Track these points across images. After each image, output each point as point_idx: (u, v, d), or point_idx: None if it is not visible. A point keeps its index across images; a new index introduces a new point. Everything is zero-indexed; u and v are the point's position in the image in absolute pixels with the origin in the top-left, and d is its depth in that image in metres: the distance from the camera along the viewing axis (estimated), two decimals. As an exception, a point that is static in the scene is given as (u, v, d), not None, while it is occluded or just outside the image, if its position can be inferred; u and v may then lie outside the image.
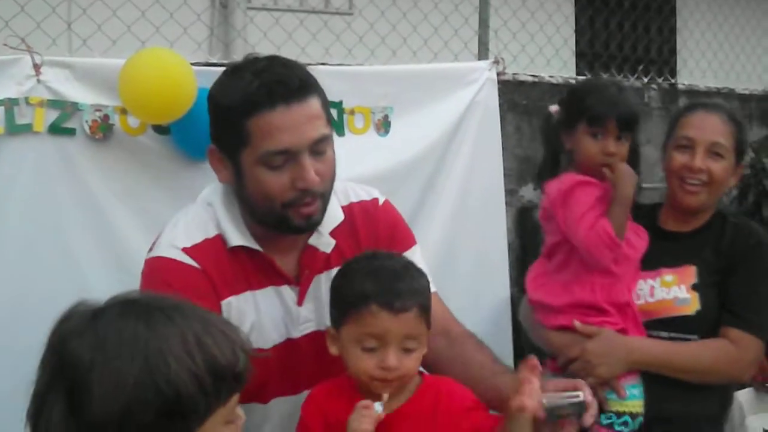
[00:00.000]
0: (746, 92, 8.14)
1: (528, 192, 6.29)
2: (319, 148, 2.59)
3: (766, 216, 7.19)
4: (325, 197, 2.67)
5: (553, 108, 3.39)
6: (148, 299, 1.83)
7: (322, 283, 2.79)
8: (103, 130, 4.10)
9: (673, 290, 3.28)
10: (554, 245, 3.32)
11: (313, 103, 2.57)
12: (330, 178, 2.67)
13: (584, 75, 7.45)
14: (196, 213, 2.77)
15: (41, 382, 1.73)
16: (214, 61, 4.91)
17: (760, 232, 3.39)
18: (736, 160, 3.37)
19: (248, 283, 2.72)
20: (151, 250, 2.76)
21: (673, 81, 7.73)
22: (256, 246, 2.71)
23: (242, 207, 2.71)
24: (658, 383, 3.20)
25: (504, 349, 4.03)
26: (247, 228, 2.72)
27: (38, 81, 3.98)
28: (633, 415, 3.16)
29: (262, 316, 2.73)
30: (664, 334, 3.26)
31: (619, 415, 3.15)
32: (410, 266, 2.61)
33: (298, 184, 2.56)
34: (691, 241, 3.38)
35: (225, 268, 2.69)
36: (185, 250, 2.66)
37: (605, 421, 3.14)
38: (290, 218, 2.62)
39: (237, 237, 2.70)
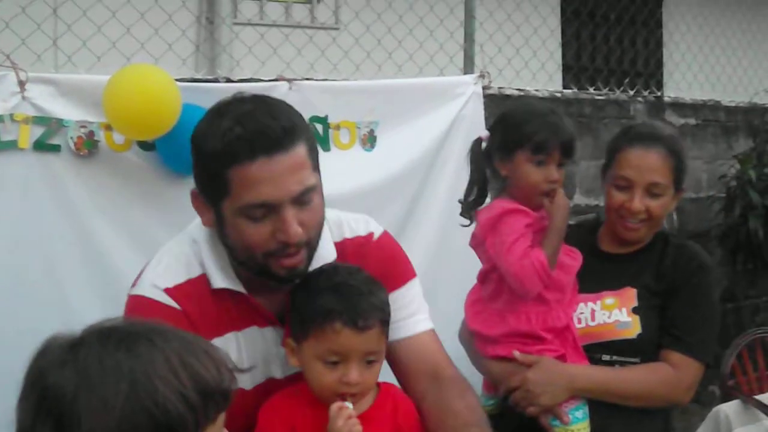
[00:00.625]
0: (732, 104, 8.16)
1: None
2: (304, 198, 2.48)
3: (752, 228, 7.21)
4: (311, 245, 2.57)
5: (484, 134, 3.33)
6: (126, 325, 1.78)
7: None
8: (88, 147, 4.09)
9: (614, 313, 3.24)
10: (486, 272, 3.30)
11: (299, 152, 2.46)
12: (316, 226, 2.57)
13: (570, 88, 7.44)
14: (181, 251, 2.70)
15: (24, 418, 1.69)
16: (200, 76, 4.89)
17: (701, 255, 3.36)
18: (675, 189, 3.34)
19: (232, 323, 2.66)
20: (134, 285, 2.69)
21: (659, 94, 7.73)
22: (240, 289, 2.65)
23: (227, 253, 2.63)
24: (603, 404, 3.18)
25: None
26: (232, 269, 2.65)
27: (23, 97, 3.97)
28: None
29: (244, 356, 2.67)
30: (606, 357, 3.24)
31: None
32: (370, 281, 2.61)
33: (279, 237, 2.47)
34: (632, 264, 3.35)
35: (208, 309, 2.63)
36: (167, 290, 2.60)
37: None
38: (272, 269, 2.54)
39: (221, 279, 2.63)
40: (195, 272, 2.65)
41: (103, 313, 3.95)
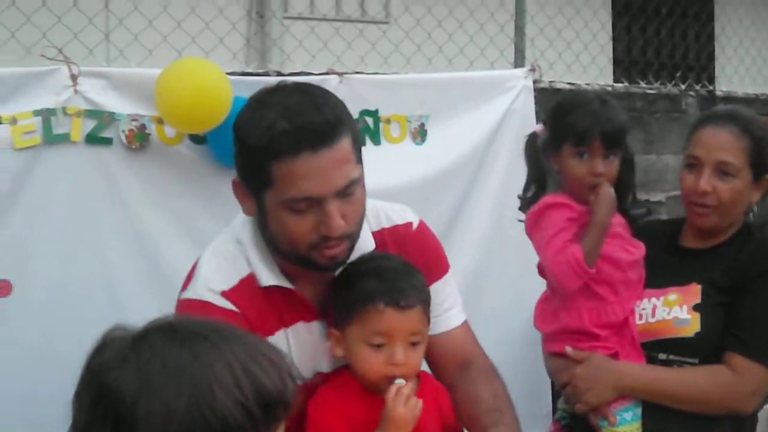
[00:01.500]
0: (785, 98, 8.08)
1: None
2: (348, 191, 2.48)
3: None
4: (353, 237, 2.58)
5: (538, 127, 3.27)
6: (191, 324, 1.74)
7: None
8: (139, 140, 4.11)
9: (674, 310, 3.11)
10: (542, 269, 3.23)
11: (343, 146, 2.45)
12: (358, 219, 2.58)
13: (621, 82, 7.40)
14: (228, 250, 2.69)
15: (79, 415, 1.66)
16: (250, 70, 4.90)
17: None
18: (755, 174, 3.15)
19: (281, 320, 2.66)
20: (184, 288, 2.69)
21: (711, 88, 7.66)
22: (286, 284, 2.65)
23: (268, 242, 2.62)
24: (660, 407, 3.08)
25: (536, 376, 3.95)
26: (277, 265, 2.65)
27: (75, 91, 4.00)
28: None
29: (293, 352, 2.65)
30: (663, 356, 3.13)
31: None
32: (408, 265, 2.65)
33: (322, 230, 2.47)
34: (704, 259, 3.20)
35: (261, 307, 2.62)
36: (224, 293, 2.58)
37: None
38: (314, 259, 2.54)
39: (269, 277, 2.63)
40: (244, 272, 2.64)
41: (153, 306, 4.03)
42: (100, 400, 1.62)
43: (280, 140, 2.39)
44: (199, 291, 2.60)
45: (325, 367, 2.75)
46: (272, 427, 1.69)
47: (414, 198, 4.14)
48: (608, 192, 3.06)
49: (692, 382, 3.07)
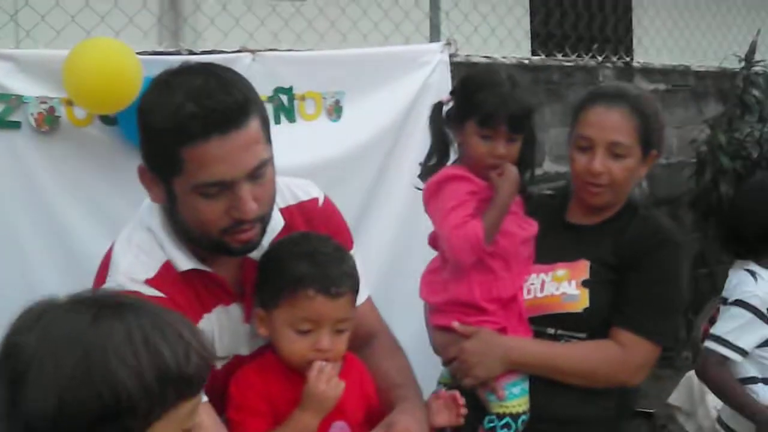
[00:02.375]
0: (702, 69, 8.16)
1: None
2: (259, 173, 2.44)
3: (723, 192, 7.21)
4: (265, 219, 2.54)
5: (445, 96, 3.22)
6: (102, 296, 1.77)
7: None
8: (49, 123, 4.04)
9: (563, 286, 3.10)
10: (434, 238, 3.20)
11: (252, 127, 2.40)
12: (270, 200, 2.54)
13: (538, 55, 7.42)
14: (141, 239, 2.61)
15: None
16: (162, 49, 4.83)
17: (667, 229, 3.19)
18: (644, 151, 3.16)
19: (202, 306, 2.61)
20: (101, 279, 2.60)
21: (628, 59, 7.72)
22: (205, 267, 2.60)
23: (178, 228, 2.56)
24: (546, 381, 3.08)
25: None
26: (189, 250, 2.59)
27: (-19, 74, 3.91)
28: (514, 416, 3.05)
29: (214, 336, 2.61)
30: (551, 330, 3.13)
31: (500, 417, 3.05)
32: (340, 249, 2.63)
33: (234, 214, 2.42)
34: (591, 235, 3.20)
35: (185, 293, 2.57)
36: (149, 281, 2.52)
37: (488, 425, 3.06)
38: (227, 244, 2.49)
39: (185, 262, 2.57)
40: (161, 259, 2.57)
41: (66, 287, 3.97)
42: (4, 360, 1.65)
43: (188, 124, 2.32)
44: (122, 281, 2.51)
45: (245, 350, 2.71)
46: (171, 405, 1.67)
47: (330, 175, 4.13)
48: (513, 172, 3.04)
49: (580, 356, 3.09)
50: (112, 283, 2.54)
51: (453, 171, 3.08)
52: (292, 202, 2.78)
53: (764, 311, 4.08)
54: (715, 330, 4.11)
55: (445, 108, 3.18)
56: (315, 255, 2.53)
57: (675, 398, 5.13)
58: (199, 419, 1.79)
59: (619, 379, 3.12)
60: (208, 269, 2.61)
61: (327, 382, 2.46)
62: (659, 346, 3.12)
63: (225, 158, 2.35)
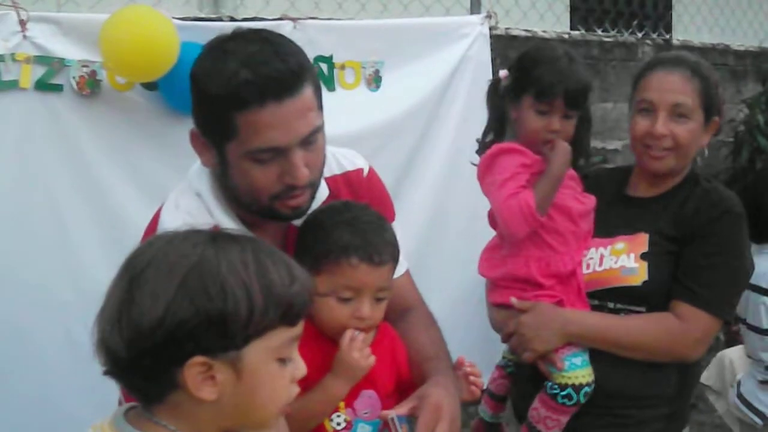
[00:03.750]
0: (741, 48, 8.09)
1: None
2: (311, 139, 2.43)
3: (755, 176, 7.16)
4: (315, 185, 2.54)
5: (503, 73, 3.20)
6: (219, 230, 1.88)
7: None
8: (90, 86, 4.07)
9: (622, 259, 3.07)
10: (492, 217, 3.18)
11: (306, 94, 2.39)
12: (320, 167, 2.54)
13: (578, 29, 7.39)
14: (189, 204, 2.60)
15: (111, 284, 1.76)
16: (203, 15, 4.84)
17: (730, 201, 3.10)
18: (706, 116, 3.12)
19: None
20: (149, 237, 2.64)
21: (667, 36, 7.66)
22: (249, 234, 2.61)
23: (227, 193, 2.57)
24: (606, 354, 3.05)
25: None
26: (237, 216, 2.59)
27: (24, 37, 3.95)
28: (576, 387, 3.03)
29: None
30: (610, 304, 3.09)
31: (562, 387, 3.04)
32: (382, 218, 2.62)
33: (287, 180, 2.42)
34: (651, 208, 3.16)
35: None
36: None
37: (550, 391, 3.06)
38: (277, 209, 2.49)
39: (231, 227, 2.52)
40: (209, 224, 2.52)
41: (104, 253, 4.00)
42: (128, 262, 1.75)
43: (244, 91, 2.32)
44: None
45: None
46: (271, 326, 1.74)
47: (369, 145, 4.14)
48: (564, 146, 3.04)
49: (639, 328, 3.05)
50: None
51: (506, 145, 3.07)
52: (337, 171, 2.77)
53: None
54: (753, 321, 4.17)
55: (503, 84, 3.18)
56: (357, 223, 2.53)
57: (705, 377, 5.12)
58: (297, 358, 1.85)
59: (677, 352, 3.06)
60: (254, 236, 2.61)
61: (360, 350, 2.46)
62: (720, 320, 3.06)
63: (279, 125, 2.36)
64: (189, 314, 1.65)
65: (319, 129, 2.45)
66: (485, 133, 3.22)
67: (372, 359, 2.49)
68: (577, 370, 3.04)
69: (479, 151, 3.19)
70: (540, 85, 3.00)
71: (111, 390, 2.00)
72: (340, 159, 2.79)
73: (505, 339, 3.18)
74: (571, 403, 3.04)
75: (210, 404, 1.72)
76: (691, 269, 3.03)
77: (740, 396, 4.37)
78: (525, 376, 3.16)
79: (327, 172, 2.68)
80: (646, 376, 3.07)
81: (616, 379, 3.06)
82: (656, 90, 3.09)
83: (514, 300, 3.07)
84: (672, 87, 3.08)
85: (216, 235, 1.78)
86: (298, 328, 1.81)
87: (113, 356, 1.71)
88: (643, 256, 3.05)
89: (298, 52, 2.44)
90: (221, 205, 2.57)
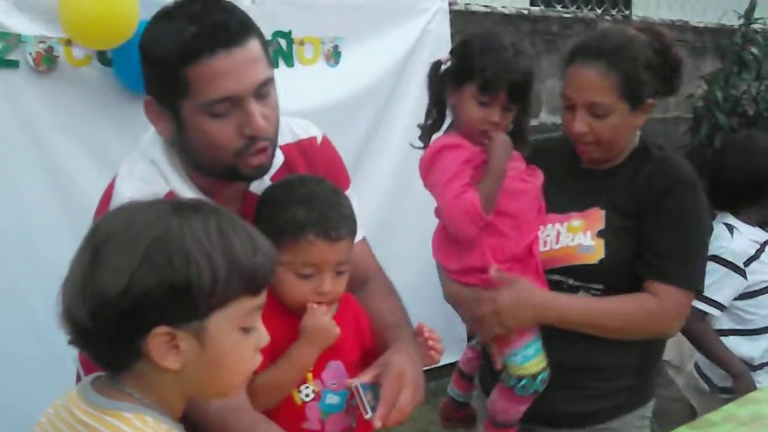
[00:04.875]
0: (701, 25, 8.14)
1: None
2: (263, 91, 2.42)
3: (717, 149, 7.20)
4: (274, 143, 2.52)
5: (444, 56, 3.07)
6: (181, 199, 1.91)
7: None
8: (47, 62, 4.04)
9: (578, 237, 3.01)
10: (438, 212, 3.10)
11: (254, 46, 2.39)
12: (276, 122, 2.52)
13: (537, 5, 7.39)
14: (143, 170, 2.58)
15: (74, 255, 1.75)
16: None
17: (683, 170, 3.03)
18: (632, 105, 2.96)
19: None
20: (102, 210, 2.53)
21: (627, 13, 7.69)
22: (205, 196, 2.51)
23: (184, 159, 2.54)
24: (561, 334, 2.99)
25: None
26: (193, 182, 2.56)
27: (-21, 13, 3.91)
28: (532, 376, 3.01)
29: None
30: (570, 281, 3.03)
31: (518, 378, 3.01)
32: (337, 191, 2.62)
33: (246, 131, 2.40)
34: (605, 181, 3.07)
35: None
36: None
37: (507, 384, 3.04)
38: (240, 168, 2.47)
39: (188, 193, 2.52)
40: (163, 191, 2.52)
41: (64, 229, 3.97)
42: (90, 234, 1.74)
43: (192, 44, 2.32)
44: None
45: None
46: (235, 296, 1.74)
47: (328, 120, 4.05)
48: (504, 140, 2.94)
49: (617, 310, 3.00)
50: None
51: (445, 141, 2.98)
52: (291, 140, 2.74)
53: (739, 264, 4.13)
54: None
55: (444, 67, 3.13)
56: (313, 199, 2.52)
57: (665, 353, 5.16)
58: (260, 327, 1.85)
59: (656, 330, 3.05)
60: (217, 205, 2.59)
61: (322, 318, 2.48)
62: (692, 292, 3.02)
63: (231, 73, 2.36)
64: (152, 284, 1.65)
65: (270, 81, 2.45)
66: (426, 117, 3.17)
67: (337, 330, 2.50)
68: (531, 361, 3.01)
69: (421, 137, 3.14)
70: (484, 76, 2.89)
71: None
72: (293, 128, 2.77)
73: (474, 323, 3.12)
74: (530, 392, 3.03)
75: (174, 373, 1.73)
76: (655, 245, 2.99)
77: (697, 367, 4.40)
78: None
79: (281, 141, 2.67)
80: (609, 348, 3.04)
81: (579, 355, 3.04)
82: (573, 87, 2.99)
83: (493, 271, 3.03)
84: (587, 85, 2.96)
85: (179, 206, 1.77)
86: (261, 298, 1.82)
87: (78, 327, 1.71)
88: (600, 234, 3.00)
89: (241, 10, 2.44)
90: (176, 171, 2.55)
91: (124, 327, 1.68)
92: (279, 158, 2.62)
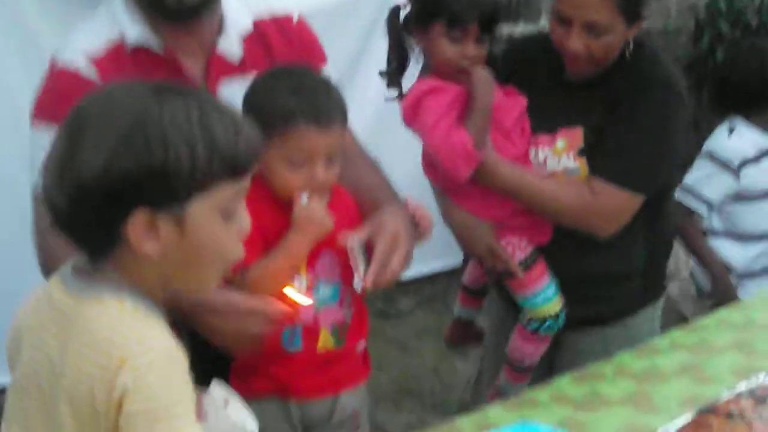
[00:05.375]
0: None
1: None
2: None
3: (719, 60, 7.08)
4: None
5: (401, 0, 3.02)
6: (163, 82, 1.84)
7: (236, 89, 2.61)
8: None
9: (563, 160, 2.98)
10: (428, 165, 3.11)
11: None
12: None
13: None
14: (93, 21, 2.62)
15: (53, 139, 1.78)
16: None
17: (658, 69, 2.97)
18: (628, 22, 2.89)
19: None
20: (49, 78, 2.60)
21: None
22: (155, 42, 2.56)
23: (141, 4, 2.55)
24: (568, 245, 3.04)
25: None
26: (153, 33, 2.56)
27: None
28: (555, 316, 3.07)
29: None
30: None
31: (541, 321, 3.08)
32: (327, 81, 2.62)
33: None
34: (585, 95, 3.01)
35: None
36: (96, 62, 2.52)
37: (530, 327, 3.11)
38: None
39: (135, 31, 2.54)
40: (114, 32, 2.56)
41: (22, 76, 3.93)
42: (69, 118, 1.77)
43: None
44: (67, 58, 2.55)
45: None
46: (215, 180, 1.75)
47: (318, 24, 4.01)
48: (484, 75, 2.89)
49: (550, 194, 2.97)
50: (62, 50, 2.58)
51: (423, 86, 2.93)
52: (266, 16, 2.75)
53: (731, 164, 4.17)
54: (684, 180, 4.20)
55: (403, 12, 3.00)
56: (302, 88, 2.52)
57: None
58: (242, 213, 1.85)
59: (589, 225, 2.98)
60: (158, 46, 2.57)
61: (314, 205, 2.50)
62: (637, 196, 2.96)
63: None
64: (131, 167, 1.66)
65: None
66: (388, 65, 3.07)
67: (331, 221, 2.52)
68: (552, 301, 3.06)
69: (389, 83, 3.06)
70: (451, 11, 2.83)
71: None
72: (270, 4, 2.78)
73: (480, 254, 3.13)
74: (554, 331, 3.09)
75: (154, 261, 1.75)
76: (607, 143, 2.94)
77: (691, 273, 4.43)
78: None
79: (256, 15, 2.72)
80: (611, 253, 3.05)
81: (585, 266, 3.07)
82: (570, 3, 2.88)
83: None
84: (586, 3, 2.86)
85: (160, 88, 1.76)
86: (244, 183, 1.82)
87: (57, 211, 1.74)
88: (580, 153, 2.97)
89: None
90: (129, 10, 2.56)
91: (102, 210, 1.70)
92: (245, 22, 2.67)
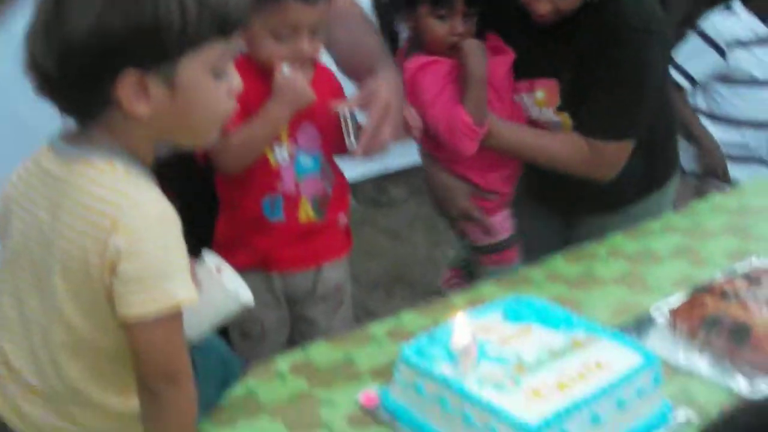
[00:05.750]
0: None
1: None
2: None
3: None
4: None
5: None
6: None
7: None
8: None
9: (545, 112, 2.99)
10: (425, 142, 3.09)
11: None
12: None
13: None
14: None
15: (37, 4, 1.72)
16: None
17: (634, 15, 2.86)
18: None
19: None
20: None
21: None
22: None
23: None
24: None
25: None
26: None
27: None
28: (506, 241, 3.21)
29: None
30: None
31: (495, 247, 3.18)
32: None
33: None
34: (557, 47, 2.93)
35: None
36: None
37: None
38: None
39: None
40: None
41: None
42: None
43: None
44: None
45: None
46: (206, 37, 1.71)
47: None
48: (475, 45, 2.88)
49: (552, 151, 2.99)
50: None
51: (416, 62, 2.92)
52: None
53: (719, 42, 4.16)
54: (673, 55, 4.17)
55: None
56: None
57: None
58: (232, 72, 1.83)
59: (591, 174, 3.00)
60: None
61: (294, 74, 2.51)
62: (631, 140, 2.97)
63: None
64: (120, 24, 1.63)
65: None
66: None
67: (312, 93, 2.53)
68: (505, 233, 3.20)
69: None
70: None
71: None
72: None
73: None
74: None
75: (145, 123, 1.73)
76: (591, 103, 2.91)
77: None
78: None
79: None
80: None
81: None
82: None
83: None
84: None
85: None
86: (234, 42, 1.79)
87: (45, 75, 1.70)
88: (560, 109, 2.97)
89: None
90: None
91: (92, 71, 1.67)
92: None
